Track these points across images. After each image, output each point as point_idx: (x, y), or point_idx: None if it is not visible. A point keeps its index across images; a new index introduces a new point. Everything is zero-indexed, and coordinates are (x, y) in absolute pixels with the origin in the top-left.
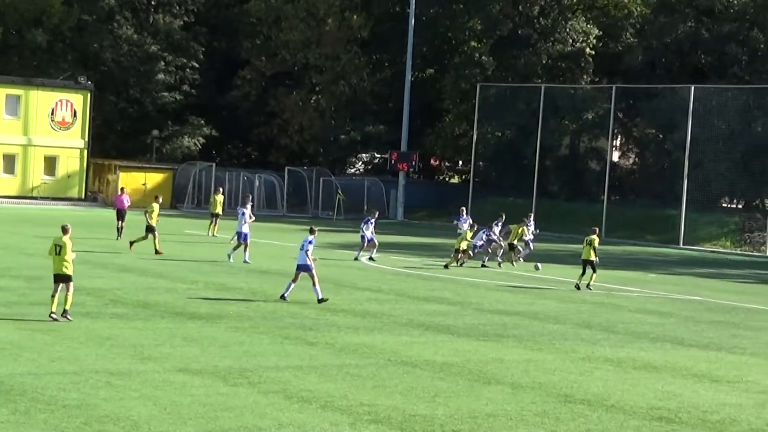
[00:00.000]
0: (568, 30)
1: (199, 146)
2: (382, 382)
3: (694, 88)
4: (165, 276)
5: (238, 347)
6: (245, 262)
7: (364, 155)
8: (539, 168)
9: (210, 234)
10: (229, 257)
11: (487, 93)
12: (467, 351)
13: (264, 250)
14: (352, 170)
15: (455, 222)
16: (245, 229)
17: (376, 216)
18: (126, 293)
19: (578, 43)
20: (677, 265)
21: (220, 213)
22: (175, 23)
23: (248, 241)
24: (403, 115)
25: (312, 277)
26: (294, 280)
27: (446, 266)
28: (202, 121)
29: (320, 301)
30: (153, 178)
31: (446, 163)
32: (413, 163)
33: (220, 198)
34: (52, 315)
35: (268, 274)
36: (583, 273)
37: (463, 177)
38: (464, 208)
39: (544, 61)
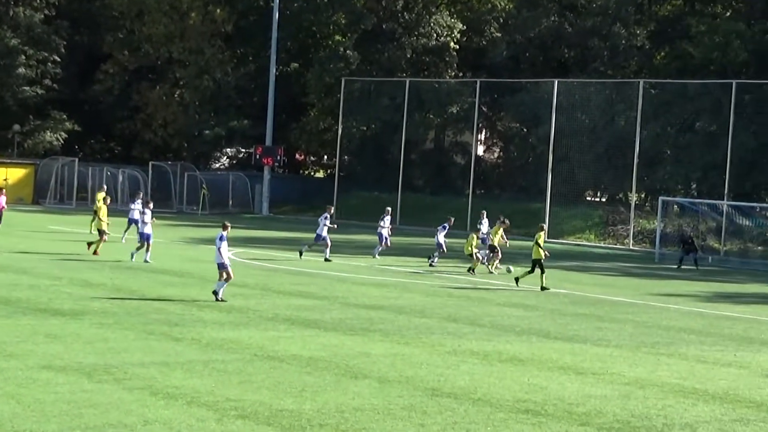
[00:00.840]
0: (432, 24)
1: (62, 141)
2: (248, 378)
3: (558, 82)
4: (28, 272)
5: (102, 344)
6: (146, 261)
7: (228, 150)
8: (404, 162)
9: (91, 231)
10: (132, 256)
11: (351, 87)
12: (334, 345)
13: (129, 245)
14: (217, 165)
15: (478, 227)
16: (147, 229)
17: (332, 213)
18: None
19: (442, 38)
20: None
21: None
22: (36, 16)
23: (151, 241)
24: (268, 109)
25: (227, 274)
26: (220, 279)
27: (471, 270)
28: (65, 116)
29: (216, 296)
30: (14, 174)
31: (311, 158)
32: (278, 157)
33: (100, 195)
34: None
35: (132, 270)
36: (542, 272)
37: (329, 171)
38: (485, 212)
39: (408, 56)
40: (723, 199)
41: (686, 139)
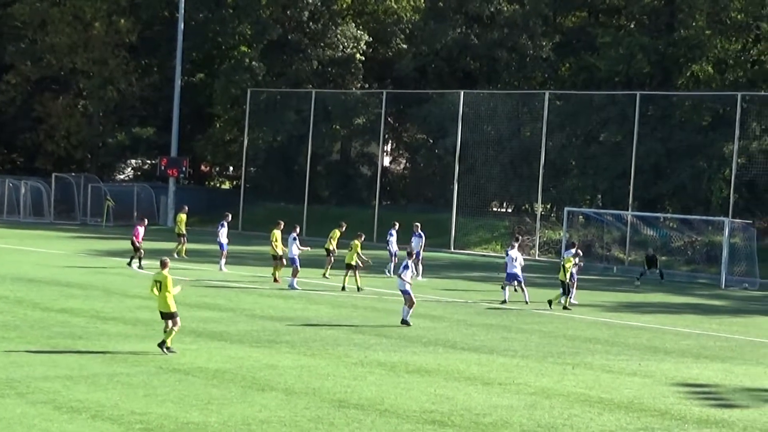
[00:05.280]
0: (338, 35)
1: None
2: (153, 391)
3: (464, 93)
4: None
5: (4, 357)
6: (292, 287)
7: (133, 161)
8: (310, 173)
9: (176, 255)
10: (291, 286)
11: (257, 98)
12: (240, 357)
13: (30, 257)
14: (122, 176)
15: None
16: (295, 252)
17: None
18: None
19: (348, 49)
20: (448, 269)
21: (185, 233)
22: None
23: (297, 265)
24: (173, 120)
25: (411, 300)
26: (406, 303)
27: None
28: None
29: (403, 322)
30: None
31: (217, 169)
32: (183, 168)
33: (184, 217)
34: (168, 349)
35: (35, 282)
36: (349, 273)
37: (234, 183)
38: (518, 236)
39: (314, 67)
40: (628, 209)
41: (592, 150)
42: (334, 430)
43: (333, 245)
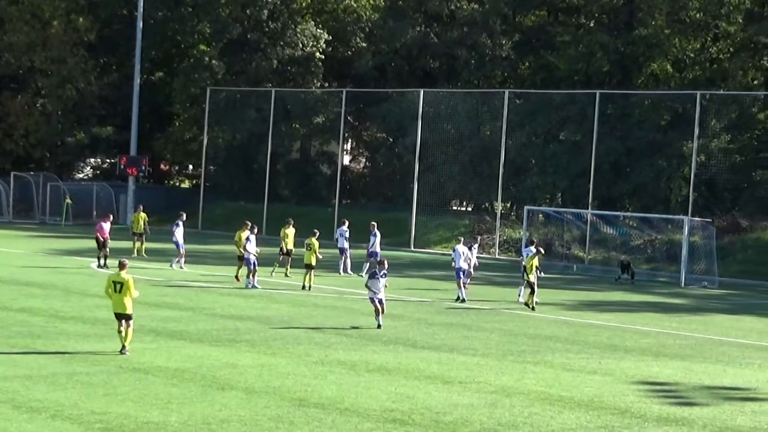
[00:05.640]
0: (298, 34)
1: None
2: (113, 390)
3: (423, 92)
4: None
5: None
6: (252, 287)
7: (92, 160)
8: (270, 172)
9: (135, 254)
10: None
11: (217, 97)
12: (200, 357)
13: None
14: (81, 175)
15: (524, 255)
16: (251, 251)
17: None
18: None
19: (308, 48)
20: (408, 268)
21: (145, 232)
22: None
23: (252, 266)
24: (132, 119)
25: (382, 308)
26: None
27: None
28: None
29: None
30: None
31: (176, 168)
32: (143, 167)
33: (143, 216)
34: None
35: None
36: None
37: (194, 182)
38: (477, 235)
39: (274, 66)
40: (588, 208)
41: (551, 149)
42: (294, 429)
43: (290, 245)
